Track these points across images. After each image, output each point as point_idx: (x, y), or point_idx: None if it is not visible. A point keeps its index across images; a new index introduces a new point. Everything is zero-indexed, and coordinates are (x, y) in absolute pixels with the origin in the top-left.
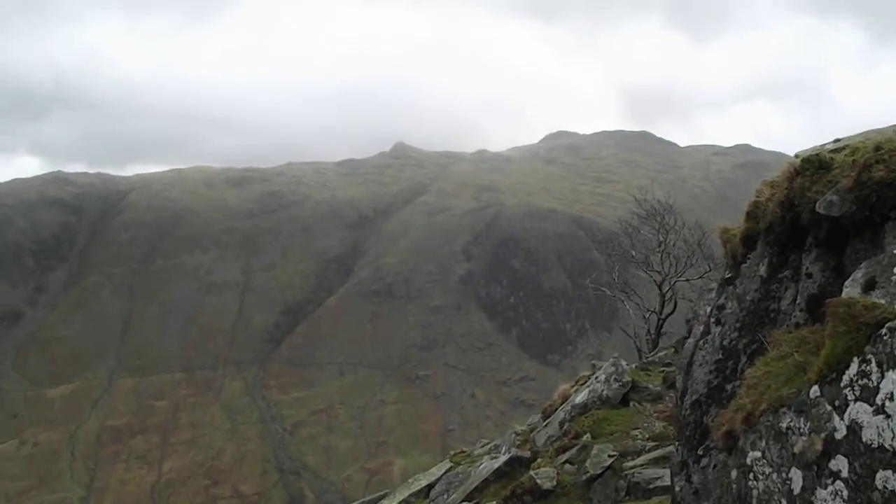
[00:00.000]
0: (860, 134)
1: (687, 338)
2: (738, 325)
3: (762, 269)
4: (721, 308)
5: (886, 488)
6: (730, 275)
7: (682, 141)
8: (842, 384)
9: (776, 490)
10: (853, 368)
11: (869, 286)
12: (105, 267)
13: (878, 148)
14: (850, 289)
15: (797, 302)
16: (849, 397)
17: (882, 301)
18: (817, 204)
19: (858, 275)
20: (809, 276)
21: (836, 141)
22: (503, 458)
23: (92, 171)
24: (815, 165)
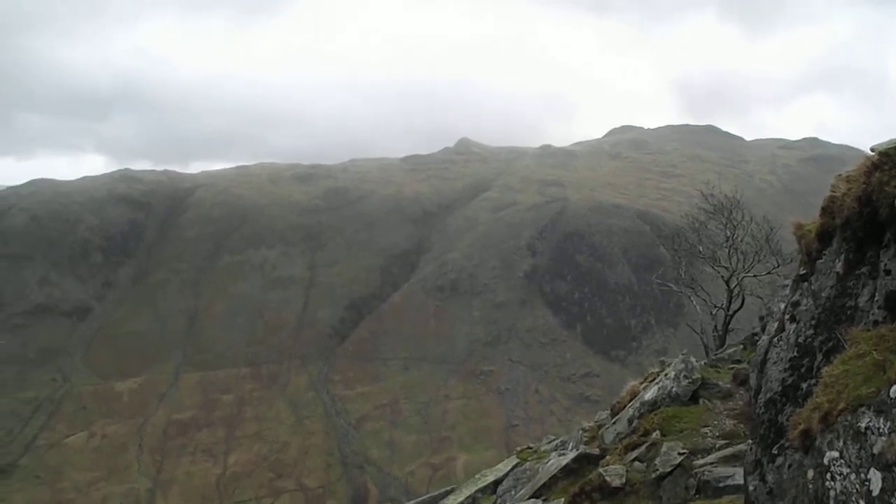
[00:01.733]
0: None
1: (756, 334)
2: (813, 322)
3: (838, 266)
4: (796, 305)
5: None
6: (804, 271)
7: (742, 134)
8: None
9: (854, 491)
10: None
11: None
12: (172, 263)
13: None
14: None
15: (875, 299)
16: None
17: None
18: None
19: None
20: (888, 272)
21: None
22: (571, 455)
23: (156, 168)
24: (893, 159)
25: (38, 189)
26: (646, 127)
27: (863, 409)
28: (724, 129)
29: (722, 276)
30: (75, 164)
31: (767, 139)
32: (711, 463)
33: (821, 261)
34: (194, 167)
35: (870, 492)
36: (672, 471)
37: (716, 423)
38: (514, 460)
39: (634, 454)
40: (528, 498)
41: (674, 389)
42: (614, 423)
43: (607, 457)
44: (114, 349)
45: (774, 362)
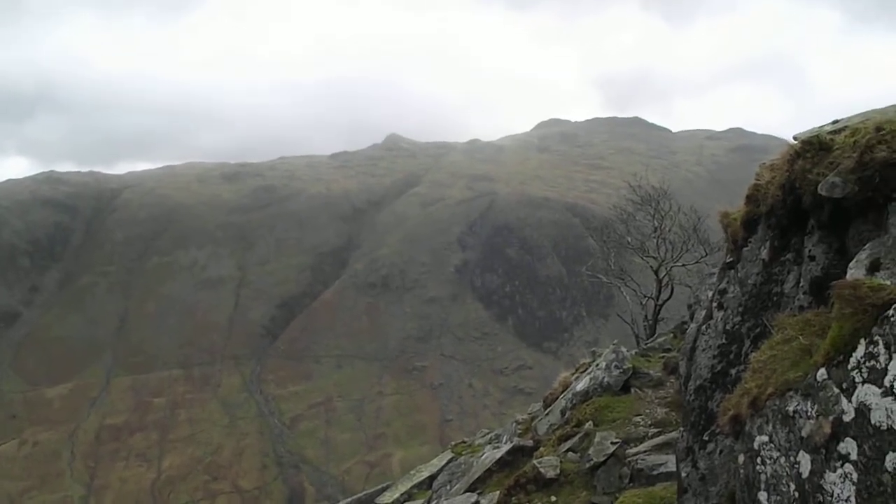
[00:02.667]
0: (860, 114)
1: (686, 323)
2: (740, 309)
3: (764, 253)
4: (723, 292)
5: None
6: (731, 259)
7: (668, 126)
8: (849, 366)
9: (784, 474)
10: (860, 350)
11: (874, 267)
12: (100, 265)
13: (879, 129)
14: (855, 270)
15: (800, 285)
16: (856, 380)
17: (888, 282)
18: (819, 186)
19: (863, 256)
20: (812, 258)
21: (835, 122)
22: (505, 448)
23: (82, 169)
24: (815, 147)
25: None
26: (573, 120)
27: (790, 393)
28: (651, 120)
29: (651, 267)
30: None
31: (694, 130)
32: (644, 451)
33: (746, 248)
34: (120, 168)
35: (800, 474)
36: (605, 460)
37: (648, 411)
38: (448, 455)
39: (568, 445)
40: (464, 492)
41: (605, 380)
42: (547, 414)
43: (541, 448)
44: (43, 355)
45: (703, 350)
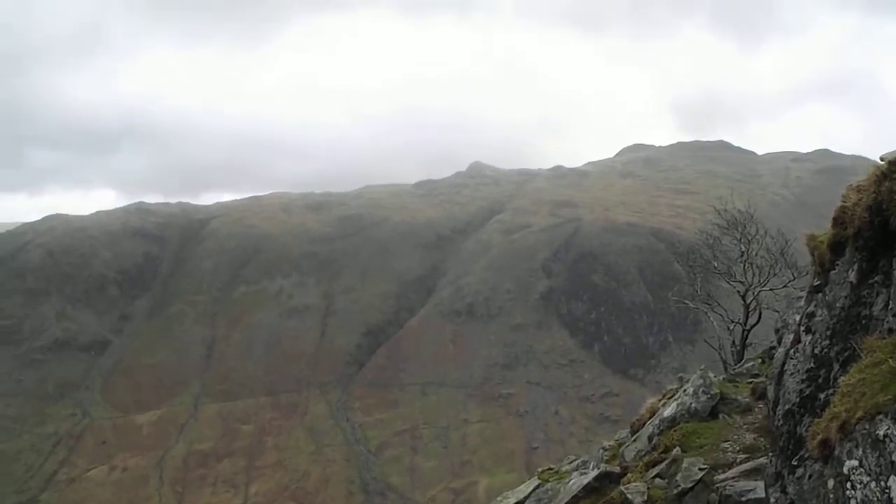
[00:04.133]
0: None
1: (775, 348)
2: (828, 332)
3: (852, 276)
4: (811, 316)
5: None
6: (818, 282)
7: (753, 149)
8: None
9: (875, 499)
10: None
11: None
12: (188, 294)
13: None
14: None
15: (889, 307)
16: None
17: None
18: None
19: None
20: None
21: None
22: (592, 474)
23: (166, 199)
24: None
25: (53, 225)
26: (657, 145)
27: (880, 416)
28: (734, 143)
29: (738, 291)
30: (86, 198)
31: (779, 152)
32: (732, 477)
33: (834, 271)
34: (204, 198)
35: (890, 499)
36: (693, 486)
37: (736, 437)
38: (535, 481)
39: (655, 471)
40: None
41: (693, 405)
42: (634, 440)
43: (628, 474)
44: (132, 382)
45: (791, 374)
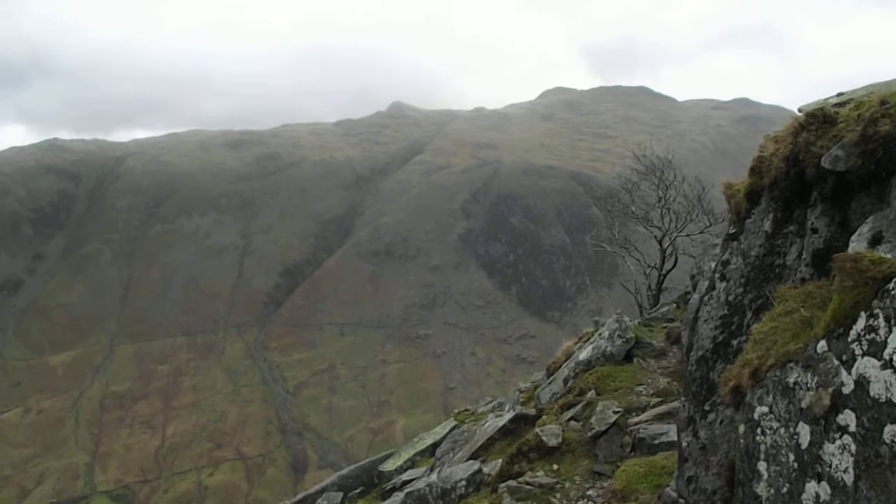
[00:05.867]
0: (864, 87)
1: (689, 293)
2: (743, 280)
3: (767, 225)
4: (726, 264)
5: (895, 442)
6: (734, 230)
7: (672, 95)
8: (849, 339)
9: (784, 444)
10: (860, 323)
11: (875, 241)
12: (104, 233)
13: (883, 102)
14: (857, 243)
15: (802, 257)
16: (856, 352)
17: (889, 255)
18: (822, 159)
19: (865, 229)
20: (815, 231)
21: (840, 95)
22: (508, 416)
23: (79, 136)
24: (819, 120)
25: None
26: (578, 88)
27: (791, 364)
28: (656, 90)
29: (655, 237)
30: None
31: (699, 100)
32: (646, 420)
33: (750, 220)
34: (118, 135)
35: (799, 445)
36: (607, 429)
37: (650, 381)
38: (451, 423)
39: (570, 413)
40: (467, 460)
41: (608, 349)
42: (550, 383)
43: (543, 417)
44: (46, 322)
45: (705, 320)
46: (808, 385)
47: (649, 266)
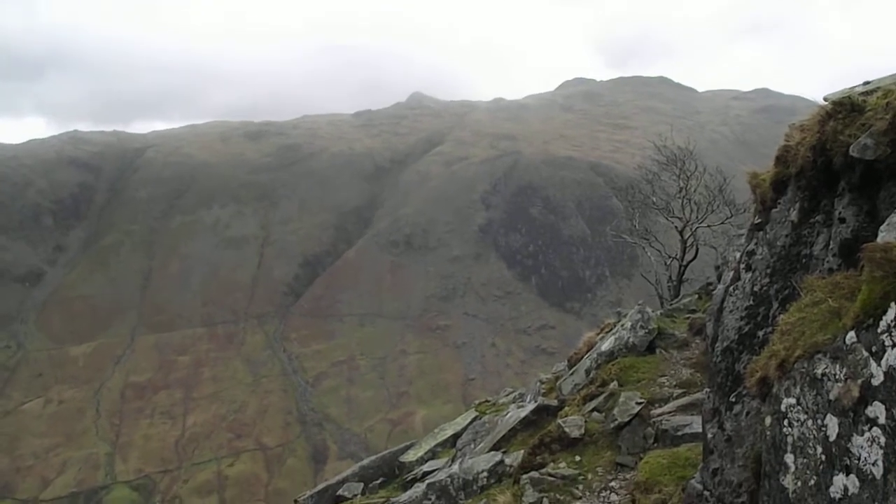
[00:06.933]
0: (891, 76)
1: (712, 283)
2: (768, 270)
3: (793, 214)
4: (751, 254)
5: None
6: (759, 220)
7: (694, 85)
8: (879, 330)
9: (811, 437)
10: (890, 314)
11: None
12: (124, 225)
13: None
14: (886, 233)
15: (830, 247)
16: (886, 343)
17: None
18: (850, 147)
19: (894, 219)
20: (842, 220)
21: (867, 83)
22: (530, 407)
23: (99, 128)
24: (847, 108)
25: None
26: (598, 79)
27: (819, 355)
28: (675, 80)
29: (676, 227)
30: (15, 126)
31: (719, 90)
32: (669, 412)
33: (776, 210)
34: (137, 127)
35: (826, 437)
36: (630, 420)
37: (672, 372)
38: (472, 414)
39: (593, 404)
40: (488, 451)
41: (630, 340)
42: (572, 374)
43: (566, 408)
44: (67, 313)
45: (731, 311)
46: (837, 377)
47: (670, 257)
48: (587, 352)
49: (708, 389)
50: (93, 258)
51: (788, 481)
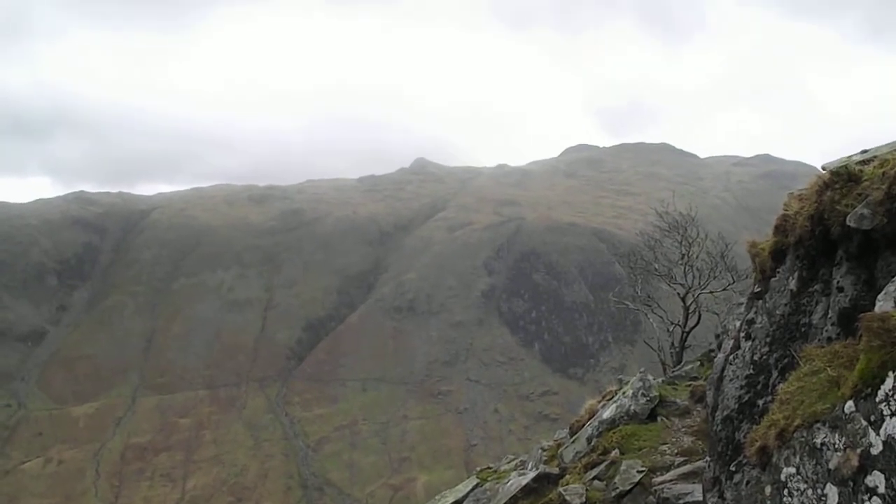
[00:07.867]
0: (888, 144)
1: (713, 351)
2: (768, 339)
3: (792, 283)
4: (751, 322)
5: None
6: (759, 289)
7: (695, 151)
8: (877, 399)
9: None
10: (889, 383)
11: None
12: (128, 286)
13: None
14: (884, 302)
15: (828, 316)
16: (885, 412)
17: None
18: (848, 217)
19: (892, 288)
20: (841, 289)
21: (864, 152)
22: (531, 475)
23: (104, 189)
24: (844, 178)
25: None
26: (600, 145)
27: (818, 424)
28: (678, 146)
29: (678, 294)
30: (21, 185)
31: (721, 156)
32: (670, 480)
33: (775, 279)
34: (141, 188)
35: None
36: (631, 489)
37: (674, 440)
38: (473, 480)
39: (594, 473)
40: None
41: (632, 408)
42: (573, 441)
43: (567, 476)
44: (69, 373)
45: (731, 380)
46: (836, 446)
47: (672, 323)
48: (589, 419)
49: (709, 458)
50: (96, 318)
51: None
